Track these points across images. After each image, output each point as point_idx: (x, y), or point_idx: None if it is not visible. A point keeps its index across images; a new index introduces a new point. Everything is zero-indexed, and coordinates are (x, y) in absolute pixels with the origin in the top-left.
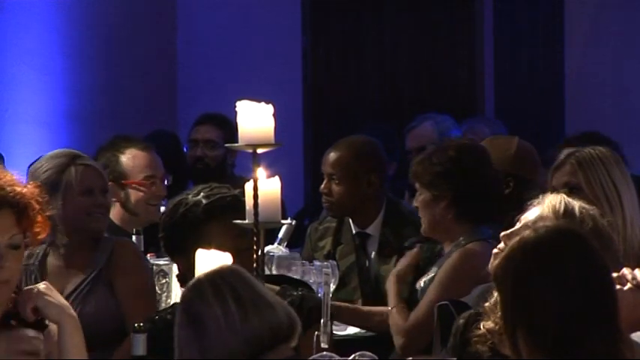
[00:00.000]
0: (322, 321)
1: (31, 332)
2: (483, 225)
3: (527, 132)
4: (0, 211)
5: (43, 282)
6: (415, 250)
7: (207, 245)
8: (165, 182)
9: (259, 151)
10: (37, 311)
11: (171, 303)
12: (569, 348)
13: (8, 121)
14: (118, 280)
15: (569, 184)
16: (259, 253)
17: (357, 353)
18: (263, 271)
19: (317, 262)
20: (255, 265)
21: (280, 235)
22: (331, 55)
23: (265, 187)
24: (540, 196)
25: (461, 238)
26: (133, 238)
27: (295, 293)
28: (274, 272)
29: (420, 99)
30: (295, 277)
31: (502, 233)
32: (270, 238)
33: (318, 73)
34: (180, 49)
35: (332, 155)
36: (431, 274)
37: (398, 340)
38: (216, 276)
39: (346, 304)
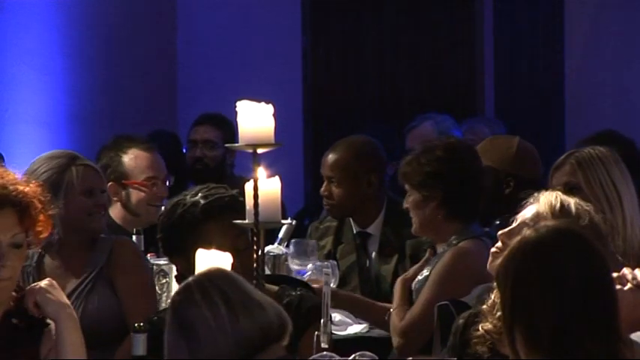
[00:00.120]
0: (322, 321)
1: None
2: (474, 223)
3: (527, 132)
4: (2, 210)
5: (47, 279)
6: (427, 256)
7: (205, 245)
8: (167, 183)
9: (259, 151)
10: (39, 308)
11: None
12: (568, 348)
13: (8, 121)
14: (118, 279)
15: (569, 184)
16: (259, 253)
17: (357, 353)
18: (263, 271)
19: (317, 262)
20: (255, 265)
21: (280, 235)
22: (331, 55)
23: (265, 187)
24: (535, 194)
25: (452, 238)
26: (134, 237)
27: (294, 293)
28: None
29: (420, 99)
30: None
31: (500, 232)
32: (270, 238)
33: (318, 73)
34: (180, 49)
35: (330, 157)
36: (424, 274)
37: (395, 340)
38: (205, 279)
39: (350, 294)
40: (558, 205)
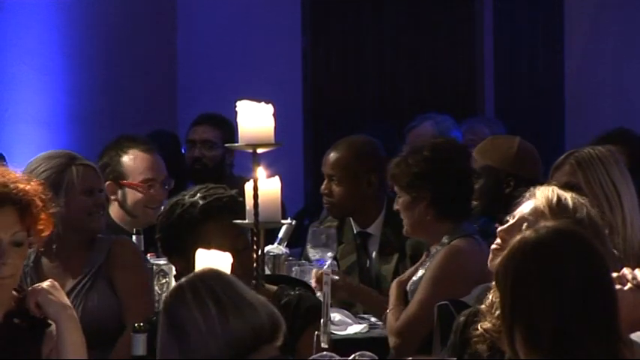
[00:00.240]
0: (322, 321)
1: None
2: (465, 222)
3: (527, 132)
4: (3, 208)
5: (49, 280)
6: (423, 258)
7: (204, 246)
8: (167, 187)
9: (259, 151)
10: (40, 308)
11: None
12: (568, 348)
13: (8, 121)
14: (117, 278)
15: (569, 184)
16: (259, 253)
17: (357, 353)
18: (263, 271)
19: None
20: (254, 265)
21: (280, 235)
22: (331, 55)
23: (265, 187)
24: (532, 189)
25: (445, 238)
26: (133, 237)
27: (292, 293)
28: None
29: (420, 99)
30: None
31: (499, 228)
32: (270, 238)
33: (318, 73)
34: (180, 49)
35: (332, 156)
36: (419, 274)
37: (391, 341)
38: (197, 280)
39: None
40: (555, 198)
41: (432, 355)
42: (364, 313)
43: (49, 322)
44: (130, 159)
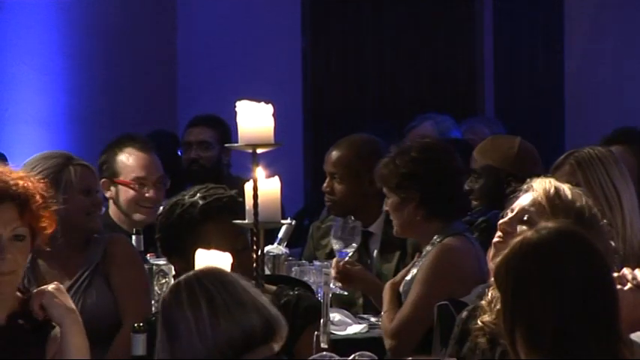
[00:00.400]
0: (322, 321)
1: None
2: (455, 221)
3: (527, 132)
4: (2, 204)
5: (55, 282)
6: (415, 259)
7: (204, 246)
8: (163, 186)
9: (259, 151)
10: (44, 310)
11: None
12: (569, 348)
13: (8, 121)
14: (113, 275)
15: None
16: (259, 253)
17: (357, 353)
18: (263, 271)
19: (317, 262)
20: (254, 265)
21: (280, 235)
22: (331, 55)
23: (265, 187)
24: (528, 182)
25: (435, 237)
26: (133, 237)
27: (292, 293)
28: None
29: (420, 99)
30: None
31: (500, 221)
32: (270, 238)
33: (318, 73)
34: (180, 49)
35: (334, 154)
36: (411, 275)
37: (387, 343)
38: (194, 279)
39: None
40: (553, 190)
41: (432, 355)
42: (364, 313)
43: (54, 324)
44: (124, 157)
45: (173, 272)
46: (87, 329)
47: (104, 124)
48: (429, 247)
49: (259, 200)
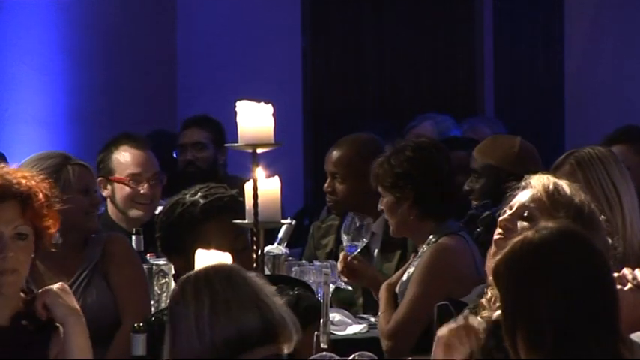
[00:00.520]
0: (322, 321)
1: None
2: (448, 220)
3: (527, 132)
4: (5, 202)
5: (60, 282)
6: (411, 259)
7: (204, 245)
8: (160, 182)
9: (259, 151)
10: (48, 310)
11: None
12: (569, 348)
13: (8, 121)
14: (112, 274)
15: None
16: (259, 253)
17: (357, 353)
18: (263, 271)
19: (317, 262)
20: (254, 265)
21: (280, 235)
22: (331, 55)
23: (265, 187)
24: (526, 178)
25: (431, 237)
26: (133, 237)
27: (291, 292)
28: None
29: (420, 99)
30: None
31: (500, 217)
32: (270, 238)
33: (318, 73)
34: (180, 49)
35: (334, 154)
36: (407, 275)
37: (384, 344)
38: (202, 275)
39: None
40: (551, 185)
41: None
42: (364, 313)
43: (57, 325)
44: (119, 155)
45: (173, 272)
46: (89, 328)
47: (104, 124)
48: (424, 247)
49: (259, 200)
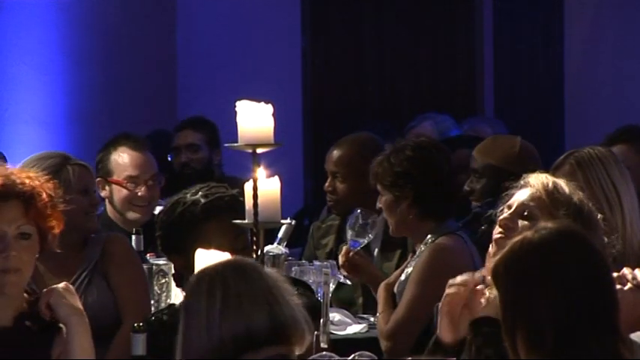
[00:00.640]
0: (322, 321)
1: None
2: (448, 220)
3: (527, 132)
4: (8, 202)
5: (64, 282)
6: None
7: (204, 245)
8: (157, 184)
9: (259, 151)
10: (52, 310)
11: (170, 303)
12: (568, 348)
13: (8, 121)
14: (112, 274)
15: None
16: (259, 253)
17: (357, 353)
18: None
19: (317, 262)
20: None
21: (280, 234)
22: (331, 55)
23: (265, 187)
24: (524, 177)
25: (429, 236)
26: (133, 237)
27: None
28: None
29: (420, 99)
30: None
31: (500, 217)
32: (270, 238)
33: (318, 73)
34: (180, 49)
35: (335, 153)
36: (405, 275)
37: (382, 344)
38: (218, 269)
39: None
40: (551, 183)
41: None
42: (364, 313)
43: (61, 325)
44: (117, 156)
45: (173, 271)
46: (90, 326)
47: (104, 124)
48: (422, 247)
49: (259, 200)
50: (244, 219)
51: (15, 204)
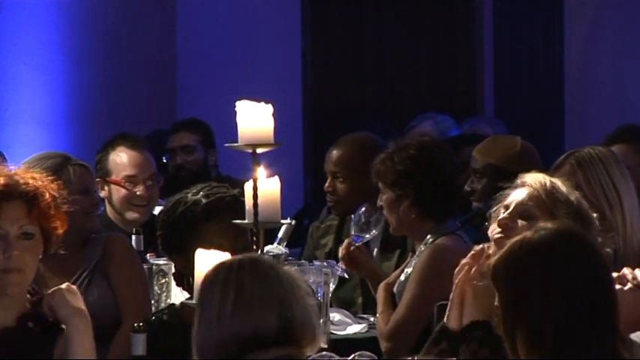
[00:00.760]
0: (322, 321)
1: None
2: (448, 220)
3: (527, 132)
4: (10, 202)
5: (66, 283)
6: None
7: (205, 244)
8: (155, 183)
9: (259, 151)
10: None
11: (170, 303)
12: (568, 348)
13: (8, 121)
14: (113, 274)
15: None
16: (259, 253)
17: (357, 353)
18: None
19: (316, 262)
20: None
21: (280, 234)
22: (331, 55)
23: (265, 187)
24: (520, 176)
25: (428, 237)
26: (133, 237)
27: None
28: None
29: (420, 99)
30: None
31: (500, 216)
32: (270, 238)
33: (318, 73)
34: (180, 49)
35: (335, 153)
36: (405, 275)
37: (382, 345)
38: (236, 264)
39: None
40: (548, 183)
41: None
42: (364, 313)
43: (63, 326)
44: (116, 156)
45: (173, 271)
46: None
47: (104, 124)
48: (422, 247)
49: (259, 200)
50: (245, 219)
51: (18, 204)
